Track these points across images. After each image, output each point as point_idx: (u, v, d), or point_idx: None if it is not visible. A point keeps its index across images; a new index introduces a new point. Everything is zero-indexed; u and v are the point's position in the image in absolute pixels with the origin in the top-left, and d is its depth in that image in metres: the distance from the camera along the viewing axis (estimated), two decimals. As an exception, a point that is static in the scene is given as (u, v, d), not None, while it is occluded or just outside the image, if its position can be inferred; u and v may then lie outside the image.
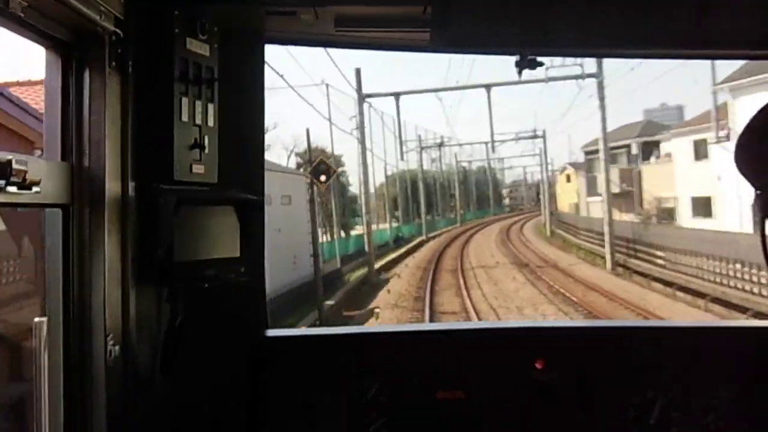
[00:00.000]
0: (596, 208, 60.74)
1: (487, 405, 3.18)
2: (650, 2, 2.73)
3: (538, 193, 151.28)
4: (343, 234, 51.72)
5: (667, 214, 50.04)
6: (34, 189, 2.14)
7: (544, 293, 30.37)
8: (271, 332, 3.34)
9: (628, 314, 25.24)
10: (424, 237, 67.44)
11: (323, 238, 43.20)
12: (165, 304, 2.76)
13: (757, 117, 2.15)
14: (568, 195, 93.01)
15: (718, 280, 28.73)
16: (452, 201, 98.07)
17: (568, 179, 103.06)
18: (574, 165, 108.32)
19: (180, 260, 2.68)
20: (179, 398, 2.87)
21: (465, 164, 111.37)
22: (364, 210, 39.68)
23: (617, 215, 53.51)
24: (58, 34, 2.38)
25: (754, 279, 26.23)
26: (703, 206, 44.54)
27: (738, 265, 27.46)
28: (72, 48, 2.45)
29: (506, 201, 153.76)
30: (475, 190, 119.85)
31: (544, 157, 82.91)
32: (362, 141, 40.70)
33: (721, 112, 40.25)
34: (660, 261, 35.47)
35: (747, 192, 2.39)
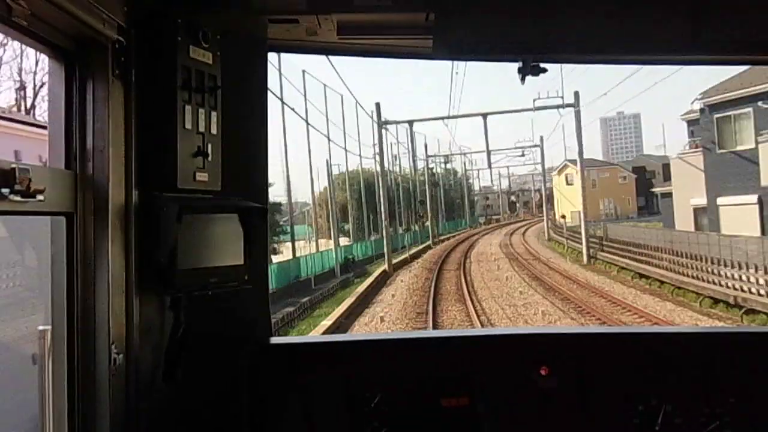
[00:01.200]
0: (740, 218, 33.46)
1: (491, 412, 3.17)
2: (650, 9, 2.74)
3: (510, 201, 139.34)
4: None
5: None
6: (38, 197, 2.14)
7: None
8: (275, 339, 3.34)
9: None
10: (386, 267, 42.51)
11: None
12: (168, 312, 2.76)
13: None
14: (574, 199, 76.27)
15: None
16: (421, 210, 73.69)
17: (570, 181, 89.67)
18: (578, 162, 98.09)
19: (183, 268, 2.68)
20: (183, 405, 2.86)
21: (434, 161, 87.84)
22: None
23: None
24: (61, 42, 2.39)
25: None
26: None
27: None
28: (75, 56, 2.46)
29: (477, 210, 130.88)
30: (443, 197, 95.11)
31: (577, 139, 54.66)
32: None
33: None
34: None
35: None
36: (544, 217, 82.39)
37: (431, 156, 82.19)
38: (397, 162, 75.97)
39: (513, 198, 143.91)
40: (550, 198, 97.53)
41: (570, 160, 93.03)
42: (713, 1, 2.75)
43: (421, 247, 63.56)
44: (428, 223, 73.86)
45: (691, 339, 3.55)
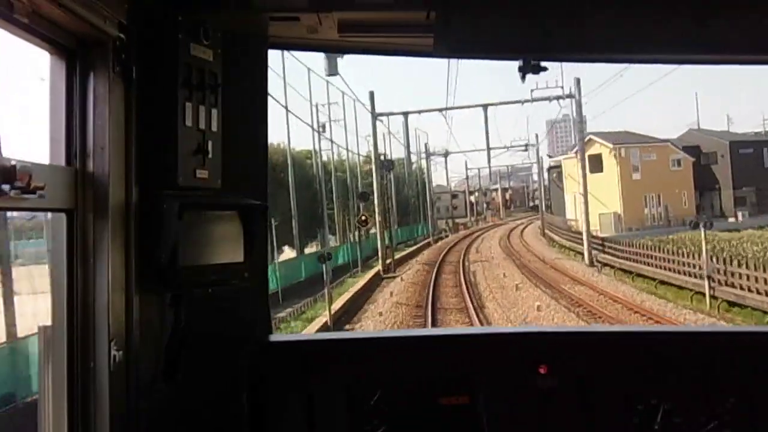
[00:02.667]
0: None
1: (491, 411, 3.17)
2: (652, 8, 2.74)
3: (471, 201, 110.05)
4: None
5: None
6: (39, 193, 2.14)
7: None
8: (275, 337, 3.35)
9: None
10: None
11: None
12: (168, 309, 2.77)
13: None
14: (605, 196, 50.99)
15: None
16: (365, 209, 44.02)
17: (597, 165, 56.33)
18: (609, 136, 59.18)
19: (183, 265, 2.69)
20: (182, 403, 2.87)
21: (384, 129, 54.65)
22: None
23: None
24: (62, 39, 2.39)
25: None
26: None
27: None
28: (76, 53, 2.47)
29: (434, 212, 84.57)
30: (395, 193, 62.39)
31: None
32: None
33: None
34: None
35: None
36: (547, 218, 69.60)
37: (381, 115, 45.92)
38: (326, 131, 44.80)
39: (473, 198, 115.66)
40: (547, 194, 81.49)
41: (596, 133, 59.43)
42: (715, 0, 2.75)
43: (364, 281, 34.37)
44: (377, 231, 43.54)
45: (691, 338, 3.55)
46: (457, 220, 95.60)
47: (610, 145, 44.03)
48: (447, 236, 76.99)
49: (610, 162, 54.70)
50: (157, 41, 2.65)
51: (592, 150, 57.66)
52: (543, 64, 2.82)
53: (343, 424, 3.17)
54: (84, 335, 2.45)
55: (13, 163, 2.03)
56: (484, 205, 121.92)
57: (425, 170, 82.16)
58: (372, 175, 44.65)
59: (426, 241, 67.33)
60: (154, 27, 2.63)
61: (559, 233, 59.59)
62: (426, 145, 79.50)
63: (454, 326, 24.28)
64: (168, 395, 2.77)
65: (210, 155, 2.81)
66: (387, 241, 44.41)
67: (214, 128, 2.84)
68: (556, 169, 79.24)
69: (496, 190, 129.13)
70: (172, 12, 2.67)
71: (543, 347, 3.33)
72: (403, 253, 52.94)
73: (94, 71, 2.48)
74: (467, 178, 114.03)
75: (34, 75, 2.52)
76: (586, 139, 55.37)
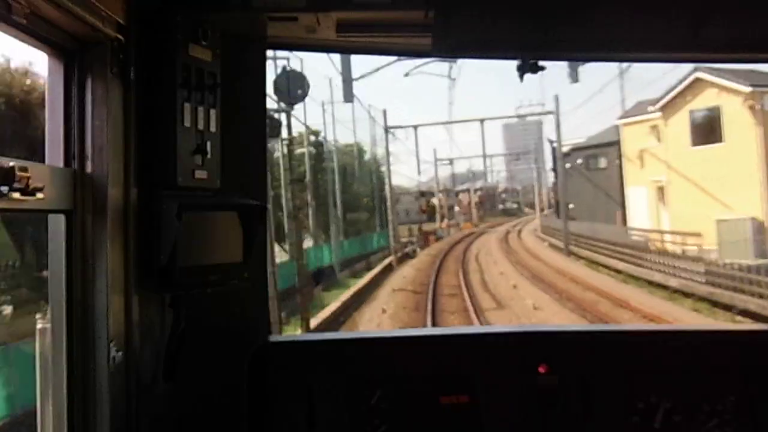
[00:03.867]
0: None
1: (491, 410, 3.17)
2: (650, 7, 2.74)
3: (426, 205, 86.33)
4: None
5: None
6: (38, 195, 2.14)
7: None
8: (275, 337, 3.35)
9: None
10: None
11: None
12: (168, 310, 2.77)
13: None
14: (721, 183, 29.56)
15: None
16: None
17: (711, 130, 31.73)
18: (733, 76, 28.53)
19: (183, 266, 2.68)
20: (182, 404, 2.87)
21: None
22: None
23: None
24: (60, 40, 2.39)
25: None
26: None
27: None
28: (74, 54, 2.46)
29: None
30: (339, 191, 47.12)
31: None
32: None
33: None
34: None
35: None
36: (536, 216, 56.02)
37: None
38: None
39: (435, 201, 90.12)
40: (552, 191, 63.36)
41: (708, 70, 31.68)
42: (714, 0, 2.75)
43: None
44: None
45: (690, 337, 3.55)
46: (424, 227, 72.63)
47: (745, 89, 22.76)
48: (415, 253, 53.96)
49: (739, 122, 28.24)
50: (155, 42, 2.65)
51: (698, 101, 32.61)
52: (541, 63, 2.82)
53: (344, 424, 3.17)
54: (83, 336, 2.45)
55: (11, 164, 2.03)
56: (456, 209, 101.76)
57: (381, 155, 59.03)
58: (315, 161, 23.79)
59: (387, 260, 45.23)
60: (152, 27, 2.63)
61: (621, 255, 34.68)
62: (385, 114, 55.55)
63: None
64: (168, 395, 2.77)
65: (209, 155, 2.81)
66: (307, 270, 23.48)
67: (213, 128, 2.84)
68: (585, 151, 53.93)
69: (465, 191, 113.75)
70: (170, 12, 2.67)
71: (543, 346, 3.33)
72: (345, 294, 29.51)
73: (92, 72, 2.48)
74: (436, 172, 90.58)
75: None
76: (691, 79, 32.70)
